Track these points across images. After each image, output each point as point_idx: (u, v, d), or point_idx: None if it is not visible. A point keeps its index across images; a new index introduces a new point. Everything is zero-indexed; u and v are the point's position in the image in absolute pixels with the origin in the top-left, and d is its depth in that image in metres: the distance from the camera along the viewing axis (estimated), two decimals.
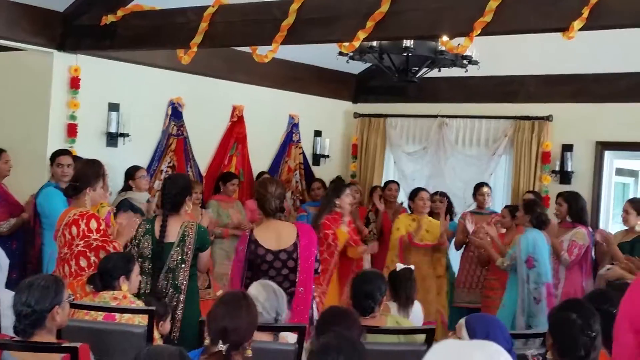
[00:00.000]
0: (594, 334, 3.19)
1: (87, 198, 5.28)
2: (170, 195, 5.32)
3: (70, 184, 5.48)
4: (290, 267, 5.08)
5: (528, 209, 6.77)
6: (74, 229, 5.10)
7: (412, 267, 5.63)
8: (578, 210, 6.88)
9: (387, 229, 8.30)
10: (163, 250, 5.19)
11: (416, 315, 5.35)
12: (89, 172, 5.41)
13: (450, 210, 8.35)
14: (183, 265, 5.20)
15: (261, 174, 8.69)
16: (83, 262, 5.07)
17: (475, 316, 3.85)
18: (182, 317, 5.16)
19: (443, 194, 8.36)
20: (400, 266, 5.59)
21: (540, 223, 6.67)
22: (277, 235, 5.12)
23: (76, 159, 6.61)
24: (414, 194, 7.97)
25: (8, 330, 3.97)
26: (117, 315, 4.38)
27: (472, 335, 3.48)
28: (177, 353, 2.53)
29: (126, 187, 7.18)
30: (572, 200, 6.91)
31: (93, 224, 5.14)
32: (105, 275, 4.57)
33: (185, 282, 5.20)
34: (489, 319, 3.77)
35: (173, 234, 5.23)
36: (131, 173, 7.23)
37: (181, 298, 5.16)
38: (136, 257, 5.17)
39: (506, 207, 7.72)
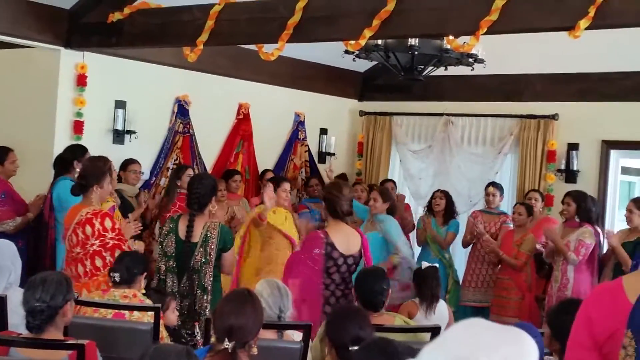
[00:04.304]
0: None
1: (95, 195, 5.27)
2: (199, 195, 5.28)
3: (76, 183, 5.45)
4: (352, 271, 5.22)
5: (386, 197, 7.09)
6: (88, 229, 5.07)
7: (437, 265, 5.61)
8: (587, 210, 6.84)
9: None
10: (190, 250, 5.20)
11: (441, 313, 5.34)
12: (94, 170, 5.40)
13: (451, 209, 8.05)
14: (207, 266, 5.20)
15: (266, 171, 8.70)
16: (99, 262, 5.06)
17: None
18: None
19: (444, 192, 8.16)
20: (425, 264, 5.56)
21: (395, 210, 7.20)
22: (347, 239, 5.25)
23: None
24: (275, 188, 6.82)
25: (15, 327, 3.97)
26: (127, 313, 4.39)
27: None
28: (185, 352, 2.53)
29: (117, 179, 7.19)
30: (580, 200, 6.88)
31: (108, 223, 5.13)
32: (130, 270, 4.60)
33: (210, 283, 5.20)
34: (524, 327, 3.74)
35: (197, 235, 5.22)
36: (124, 165, 7.26)
37: (208, 299, 5.18)
38: (160, 255, 5.25)
39: (521, 204, 7.61)
